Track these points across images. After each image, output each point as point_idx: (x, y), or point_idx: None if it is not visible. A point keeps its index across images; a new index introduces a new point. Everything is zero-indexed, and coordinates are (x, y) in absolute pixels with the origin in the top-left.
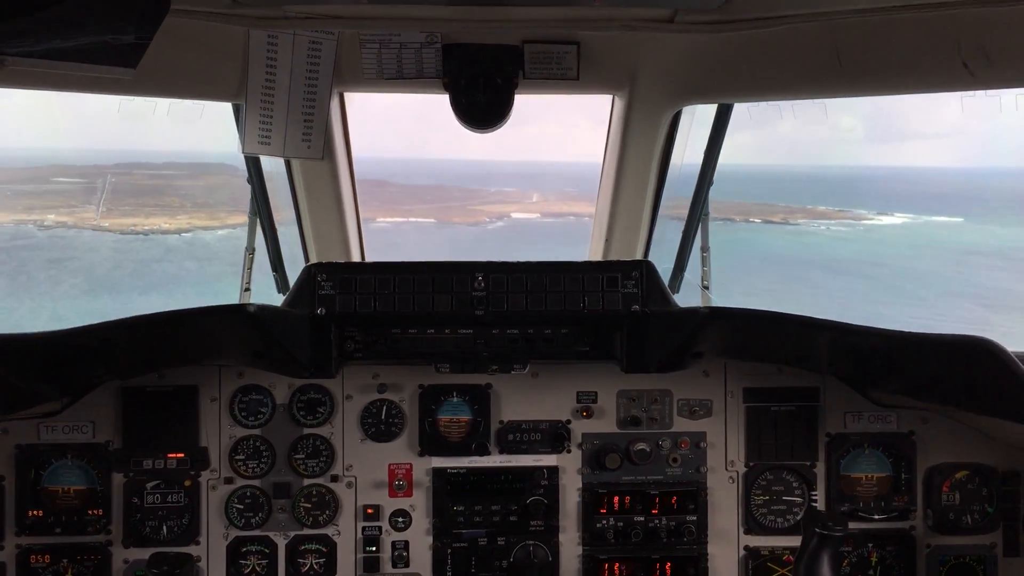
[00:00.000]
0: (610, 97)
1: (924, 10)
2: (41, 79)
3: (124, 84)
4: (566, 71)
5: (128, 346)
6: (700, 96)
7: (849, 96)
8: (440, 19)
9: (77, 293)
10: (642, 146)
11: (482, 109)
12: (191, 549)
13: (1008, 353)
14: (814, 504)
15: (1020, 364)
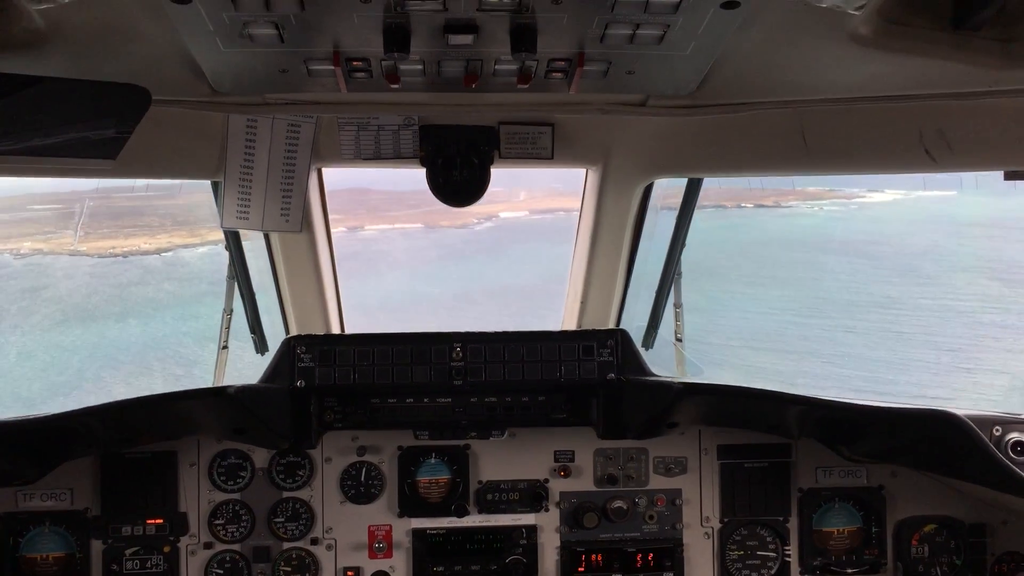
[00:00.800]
0: (583, 169)
1: (887, 101)
2: (22, 170)
3: (103, 170)
4: (541, 150)
5: (106, 429)
6: (671, 171)
7: (814, 174)
8: (417, 103)
9: (49, 324)
10: (616, 217)
11: (458, 187)
12: None
13: (969, 424)
14: (787, 559)
15: (980, 434)
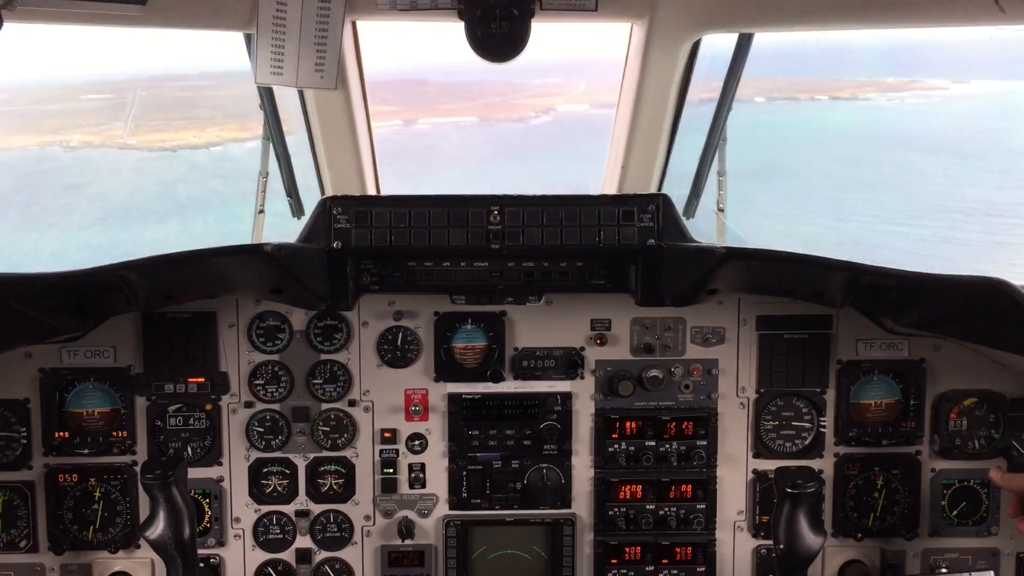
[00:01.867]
0: (628, 25)
1: None
2: (51, 16)
3: (134, 18)
4: (584, 1)
5: (145, 284)
6: (721, 25)
7: (875, 27)
8: None
9: (88, 223)
10: (660, 76)
11: (498, 40)
12: (214, 470)
13: (1021, 292)
14: (822, 430)
15: None
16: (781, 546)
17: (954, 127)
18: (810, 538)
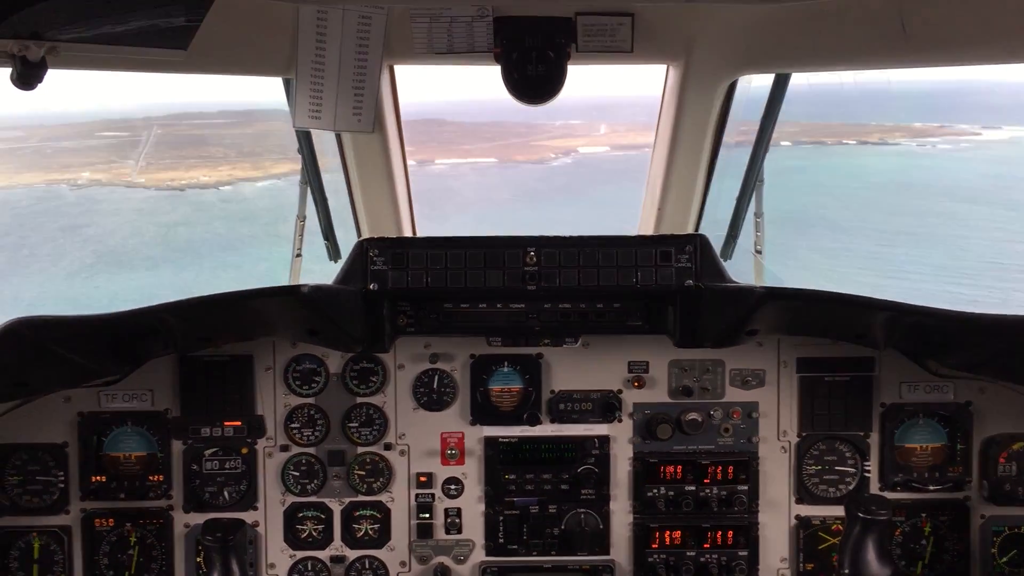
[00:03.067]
0: (664, 67)
1: None
2: (93, 62)
3: (175, 64)
4: (620, 43)
5: (185, 325)
6: (758, 66)
7: (913, 67)
8: None
9: (77, 268)
10: (697, 117)
11: (534, 82)
12: (249, 514)
13: None
14: (867, 475)
15: None
16: (846, 571)
17: (993, 175)
18: (876, 568)
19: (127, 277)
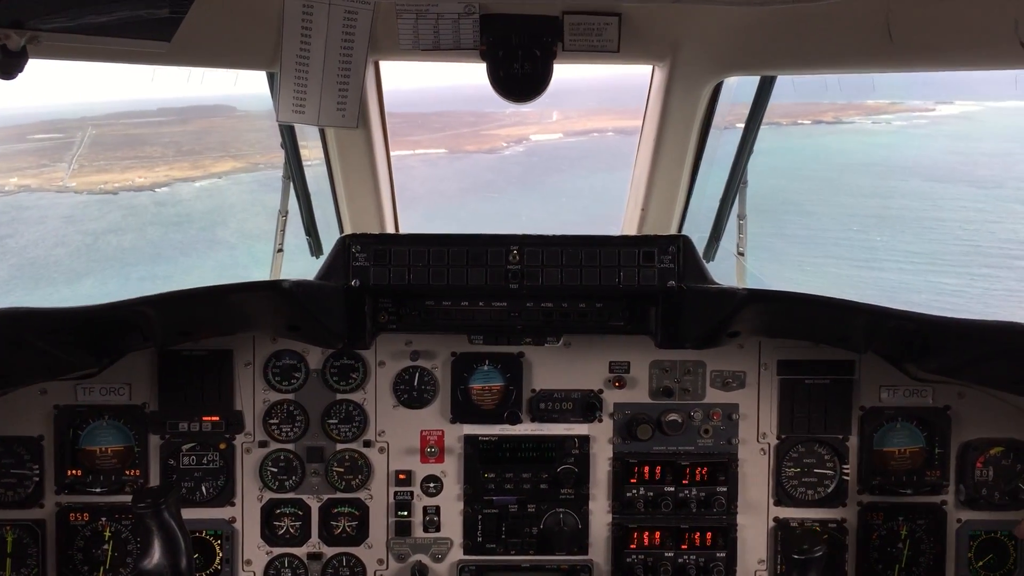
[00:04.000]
0: (649, 67)
1: None
2: (75, 52)
3: (158, 55)
4: (606, 43)
5: (164, 318)
6: (743, 68)
7: (899, 71)
8: None
9: None
10: (682, 118)
11: (520, 80)
12: (226, 510)
13: None
14: (845, 478)
15: None
16: None
17: (956, 151)
18: None
19: (44, 293)
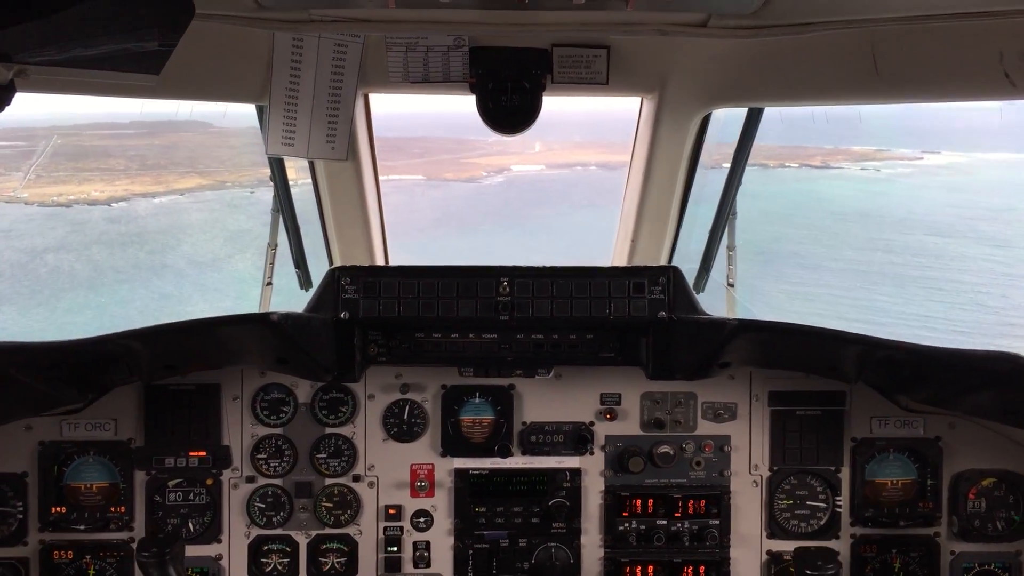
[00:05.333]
0: (638, 99)
1: (965, 18)
2: (63, 85)
3: (147, 89)
4: (595, 75)
5: (150, 353)
6: (731, 100)
7: (884, 103)
8: (468, 22)
9: None
10: (671, 149)
11: (509, 112)
12: (213, 547)
13: None
14: (838, 510)
15: None
16: None
17: (956, 204)
18: None
19: None
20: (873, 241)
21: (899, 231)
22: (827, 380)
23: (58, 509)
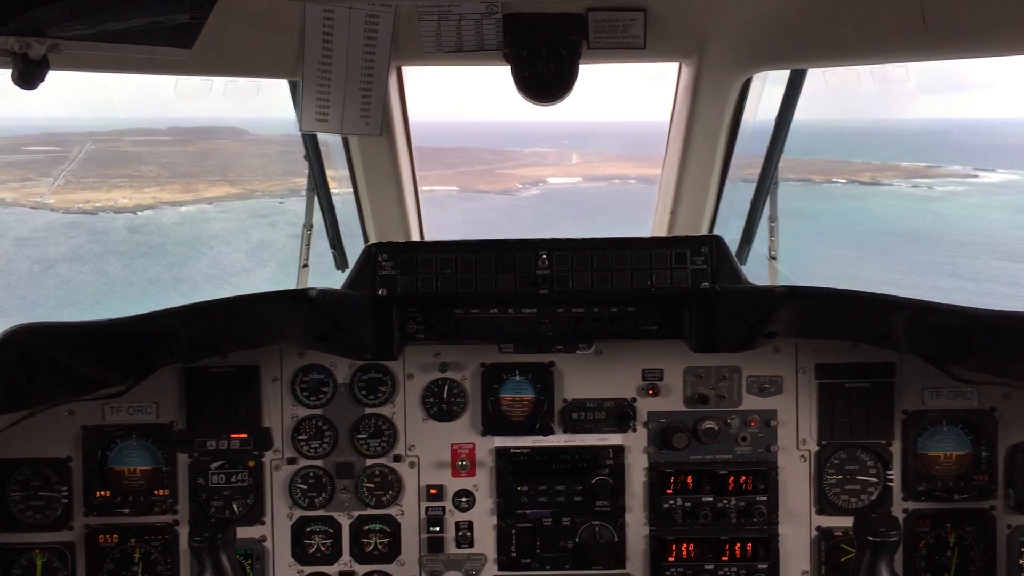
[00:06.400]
0: (676, 64)
1: None
2: (96, 61)
3: (180, 64)
4: (632, 39)
5: (190, 332)
6: (773, 62)
7: (934, 59)
8: None
9: None
10: (711, 115)
11: (545, 81)
12: (256, 529)
13: None
14: (889, 484)
15: None
16: None
17: (1022, 226)
18: None
19: None
20: (938, 265)
21: (964, 254)
22: (876, 351)
23: (102, 493)
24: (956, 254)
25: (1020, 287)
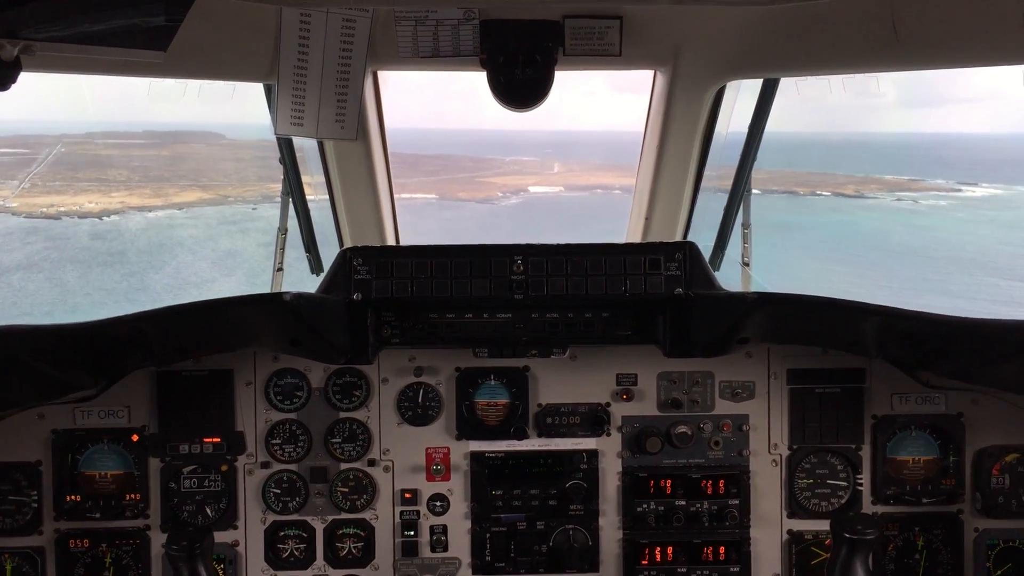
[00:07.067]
0: (651, 72)
1: None
2: (70, 64)
3: (155, 67)
4: (608, 47)
5: (162, 335)
6: (747, 71)
7: (906, 70)
8: None
9: None
10: (685, 123)
11: (521, 87)
12: (229, 533)
13: None
14: (859, 488)
15: None
16: None
17: (1012, 242)
18: None
19: None
20: (930, 282)
21: (955, 271)
22: (846, 357)
23: (73, 498)
24: (948, 270)
25: (1015, 305)
